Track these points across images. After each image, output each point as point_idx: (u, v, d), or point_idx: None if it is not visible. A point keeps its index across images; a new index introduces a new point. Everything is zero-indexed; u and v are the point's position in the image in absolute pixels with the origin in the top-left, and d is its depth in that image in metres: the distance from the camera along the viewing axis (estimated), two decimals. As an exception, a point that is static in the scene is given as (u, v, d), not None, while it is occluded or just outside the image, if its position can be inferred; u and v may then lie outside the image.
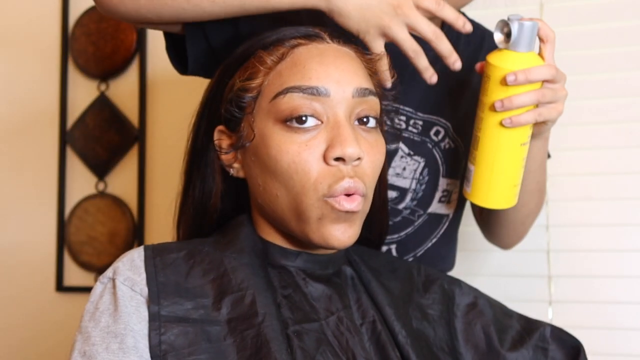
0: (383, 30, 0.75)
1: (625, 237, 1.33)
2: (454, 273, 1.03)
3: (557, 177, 1.36)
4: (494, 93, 0.80)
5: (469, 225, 1.39)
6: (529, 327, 0.81)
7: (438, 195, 0.98)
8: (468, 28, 0.78)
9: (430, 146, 0.96)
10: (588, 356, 0.79)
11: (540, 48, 0.81)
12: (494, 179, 0.85)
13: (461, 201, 1.03)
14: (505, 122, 0.80)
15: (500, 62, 0.79)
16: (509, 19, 0.77)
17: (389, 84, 0.78)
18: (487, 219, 1.07)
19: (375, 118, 0.72)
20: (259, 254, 0.71)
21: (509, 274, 1.38)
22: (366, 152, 0.69)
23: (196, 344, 0.61)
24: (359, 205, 0.68)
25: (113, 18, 0.88)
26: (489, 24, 1.11)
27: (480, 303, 0.82)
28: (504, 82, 0.78)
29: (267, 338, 0.62)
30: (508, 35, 0.77)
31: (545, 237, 1.37)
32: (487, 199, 0.87)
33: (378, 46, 0.76)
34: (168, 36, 0.93)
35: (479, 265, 1.40)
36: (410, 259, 0.97)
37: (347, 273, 0.76)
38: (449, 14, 0.77)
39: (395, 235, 0.96)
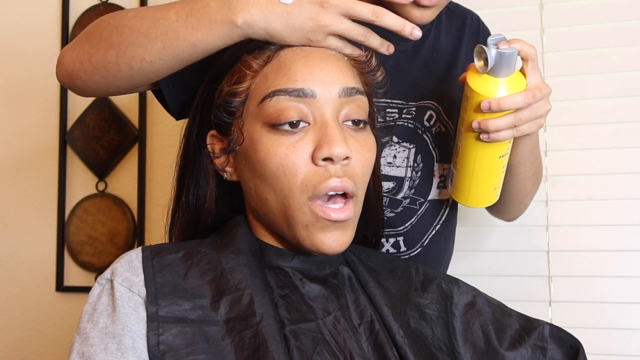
0: (323, 30, 0.69)
1: (625, 237, 1.33)
2: (454, 273, 1.03)
3: (557, 177, 1.36)
4: (472, 113, 0.80)
5: (469, 225, 1.39)
6: (528, 326, 0.81)
7: (436, 181, 0.98)
8: (416, 34, 0.71)
9: (420, 132, 0.96)
10: (588, 356, 0.79)
11: (522, 65, 0.80)
12: (474, 185, 0.88)
13: None
14: (483, 137, 0.80)
15: (478, 87, 0.77)
16: (487, 44, 0.75)
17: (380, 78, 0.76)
18: None
19: (363, 120, 0.71)
20: (256, 254, 0.71)
21: (509, 274, 1.38)
22: (355, 151, 0.69)
23: (194, 344, 0.61)
24: (350, 213, 0.68)
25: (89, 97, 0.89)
26: (489, 23, 1.11)
27: (478, 302, 0.82)
28: (480, 107, 0.78)
29: (265, 338, 0.62)
30: (487, 61, 0.75)
31: (545, 237, 1.37)
32: (467, 200, 0.91)
33: (332, 44, 0.71)
34: (154, 92, 0.92)
35: (479, 265, 1.40)
36: (419, 250, 0.97)
37: (344, 273, 0.76)
38: (392, 22, 0.69)
39: (401, 228, 0.96)
